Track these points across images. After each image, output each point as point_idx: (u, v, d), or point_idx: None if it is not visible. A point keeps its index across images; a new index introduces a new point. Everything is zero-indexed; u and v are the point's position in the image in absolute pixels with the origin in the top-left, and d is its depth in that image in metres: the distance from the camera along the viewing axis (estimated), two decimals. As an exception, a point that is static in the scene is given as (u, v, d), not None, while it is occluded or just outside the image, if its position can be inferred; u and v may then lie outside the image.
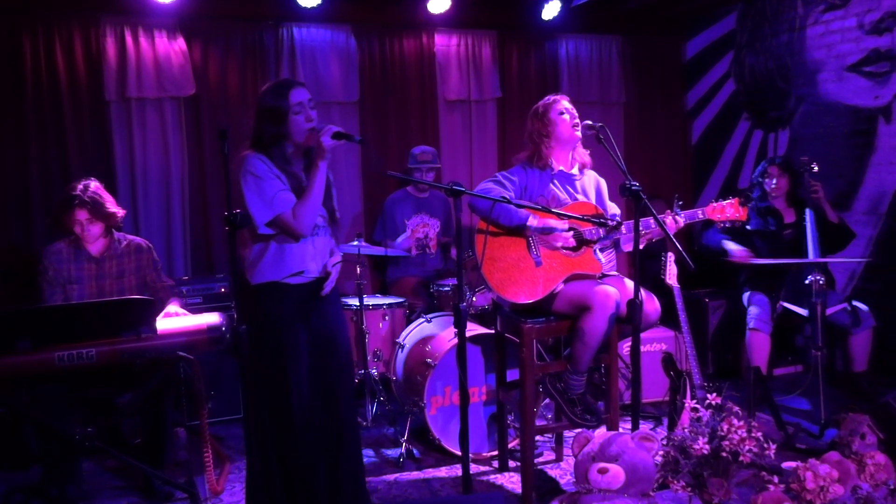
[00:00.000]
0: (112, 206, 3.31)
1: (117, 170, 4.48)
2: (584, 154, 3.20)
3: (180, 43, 4.50)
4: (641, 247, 3.15)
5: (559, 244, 3.01)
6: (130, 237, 3.45)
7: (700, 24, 5.74)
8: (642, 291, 2.85)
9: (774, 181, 4.16)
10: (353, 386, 2.86)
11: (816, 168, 3.86)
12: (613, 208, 3.28)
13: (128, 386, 3.18)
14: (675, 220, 3.01)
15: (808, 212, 3.85)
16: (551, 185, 3.09)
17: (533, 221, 2.97)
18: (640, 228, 2.95)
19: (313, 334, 2.68)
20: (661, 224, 2.76)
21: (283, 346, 2.61)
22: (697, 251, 4.32)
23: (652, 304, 2.99)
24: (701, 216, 3.08)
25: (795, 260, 3.83)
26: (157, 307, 3.01)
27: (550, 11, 5.03)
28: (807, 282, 3.68)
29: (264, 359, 2.62)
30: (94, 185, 3.28)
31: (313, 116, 2.60)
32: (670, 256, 3.43)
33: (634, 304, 2.69)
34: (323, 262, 2.70)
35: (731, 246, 4.10)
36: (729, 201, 3.10)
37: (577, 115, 3.12)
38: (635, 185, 2.65)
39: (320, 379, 2.69)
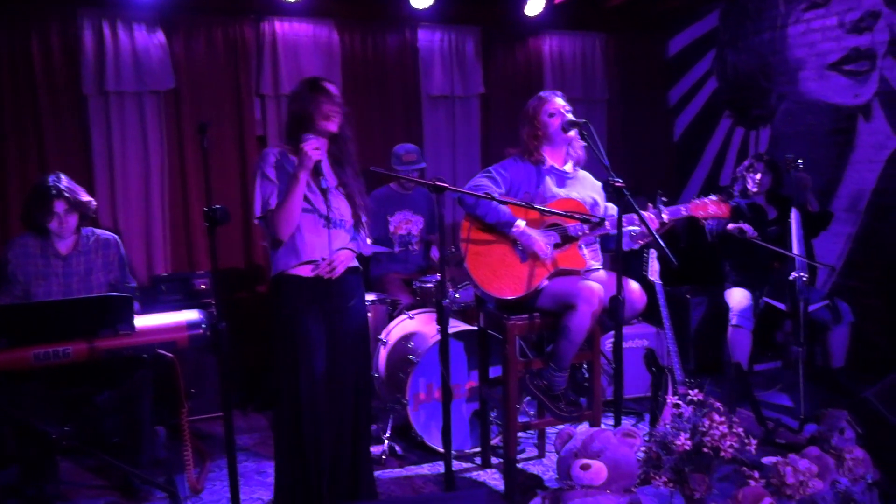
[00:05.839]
0: (85, 195, 3.27)
1: (95, 164, 4.41)
2: (578, 147, 3.15)
3: (159, 36, 4.44)
4: (637, 247, 3.16)
5: (540, 255, 2.97)
6: (99, 231, 3.40)
7: (682, 22, 5.76)
8: (627, 280, 2.85)
9: (758, 176, 4.18)
10: (361, 382, 2.82)
11: (802, 164, 3.86)
12: (611, 209, 3.21)
13: (106, 384, 3.14)
14: (657, 217, 3.02)
15: (793, 211, 3.84)
16: (542, 182, 3.08)
17: (520, 225, 2.95)
18: (635, 227, 2.96)
19: (329, 328, 2.71)
20: (644, 221, 2.75)
21: (294, 336, 2.66)
22: (711, 240, 4.26)
23: (637, 292, 2.99)
24: (684, 213, 3.07)
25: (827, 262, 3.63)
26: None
27: (534, 8, 5.03)
28: (791, 278, 3.70)
29: (278, 349, 2.69)
30: (63, 176, 3.23)
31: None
32: (653, 253, 3.43)
33: (617, 301, 2.70)
34: None
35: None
36: (711, 198, 3.09)
37: (569, 112, 3.07)
38: (618, 182, 2.65)
39: (331, 372, 2.72)
